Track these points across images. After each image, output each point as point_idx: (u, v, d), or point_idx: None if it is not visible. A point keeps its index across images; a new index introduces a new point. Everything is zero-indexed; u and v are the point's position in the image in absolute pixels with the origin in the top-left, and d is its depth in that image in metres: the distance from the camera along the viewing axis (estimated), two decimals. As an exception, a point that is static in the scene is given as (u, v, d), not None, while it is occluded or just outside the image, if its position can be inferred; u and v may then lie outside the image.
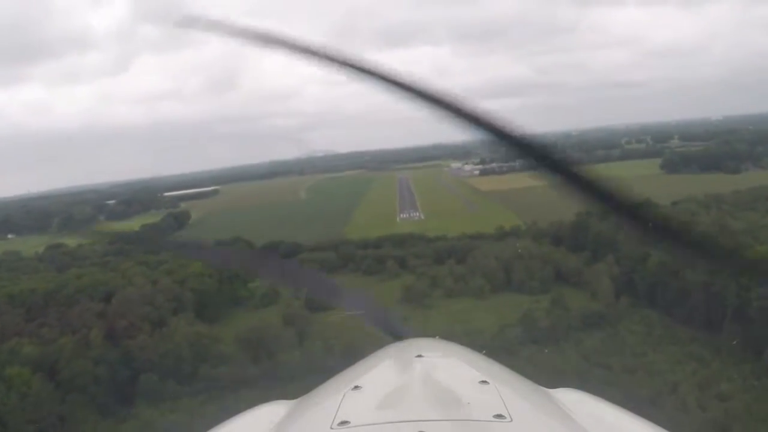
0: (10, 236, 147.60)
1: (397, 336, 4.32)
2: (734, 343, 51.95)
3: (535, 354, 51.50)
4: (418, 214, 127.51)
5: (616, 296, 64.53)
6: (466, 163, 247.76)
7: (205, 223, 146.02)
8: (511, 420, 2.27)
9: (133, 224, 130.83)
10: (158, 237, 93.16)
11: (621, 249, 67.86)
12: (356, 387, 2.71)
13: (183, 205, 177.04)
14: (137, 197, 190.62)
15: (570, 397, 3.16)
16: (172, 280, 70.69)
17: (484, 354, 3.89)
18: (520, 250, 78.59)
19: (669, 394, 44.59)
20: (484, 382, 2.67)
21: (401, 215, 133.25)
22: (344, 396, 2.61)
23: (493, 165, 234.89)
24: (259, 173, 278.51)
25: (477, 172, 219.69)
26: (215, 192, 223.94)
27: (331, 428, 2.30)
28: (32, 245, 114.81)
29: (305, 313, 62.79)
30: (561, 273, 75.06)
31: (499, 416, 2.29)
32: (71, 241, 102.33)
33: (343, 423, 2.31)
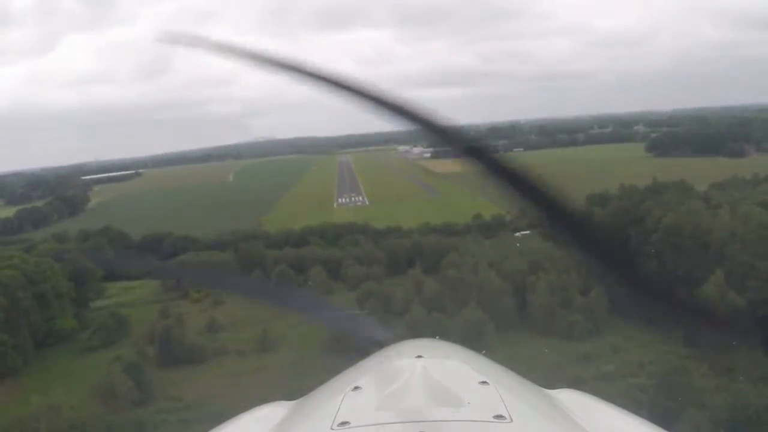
0: None
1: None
2: None
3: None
4: (361, 198, 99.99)
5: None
6: (415, 146, 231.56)
7: (103, 210, 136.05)
8: (511, 420, 2.28)
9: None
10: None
11: (736, 255, 41.27)
12: (356, 387, 2.70)
13: (96, 189, 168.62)
14: (45, 181, 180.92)
15: (570, 398, 3.16)
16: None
17: (484, 354, 3.79)
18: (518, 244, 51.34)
19: None
20: (484, 382, 2.67)
21: (339, 200, 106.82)
22: (344, 396, 2.61)
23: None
24: (194, 158, 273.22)
25: (428, 155, 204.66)
26: (136, 175, 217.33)
27: (331, 429, 2.31)
28: None
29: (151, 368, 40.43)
30: (612, 300, 45.89)
31: (499, 417, 2.30)
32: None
33: (343, 423, 2.32)
